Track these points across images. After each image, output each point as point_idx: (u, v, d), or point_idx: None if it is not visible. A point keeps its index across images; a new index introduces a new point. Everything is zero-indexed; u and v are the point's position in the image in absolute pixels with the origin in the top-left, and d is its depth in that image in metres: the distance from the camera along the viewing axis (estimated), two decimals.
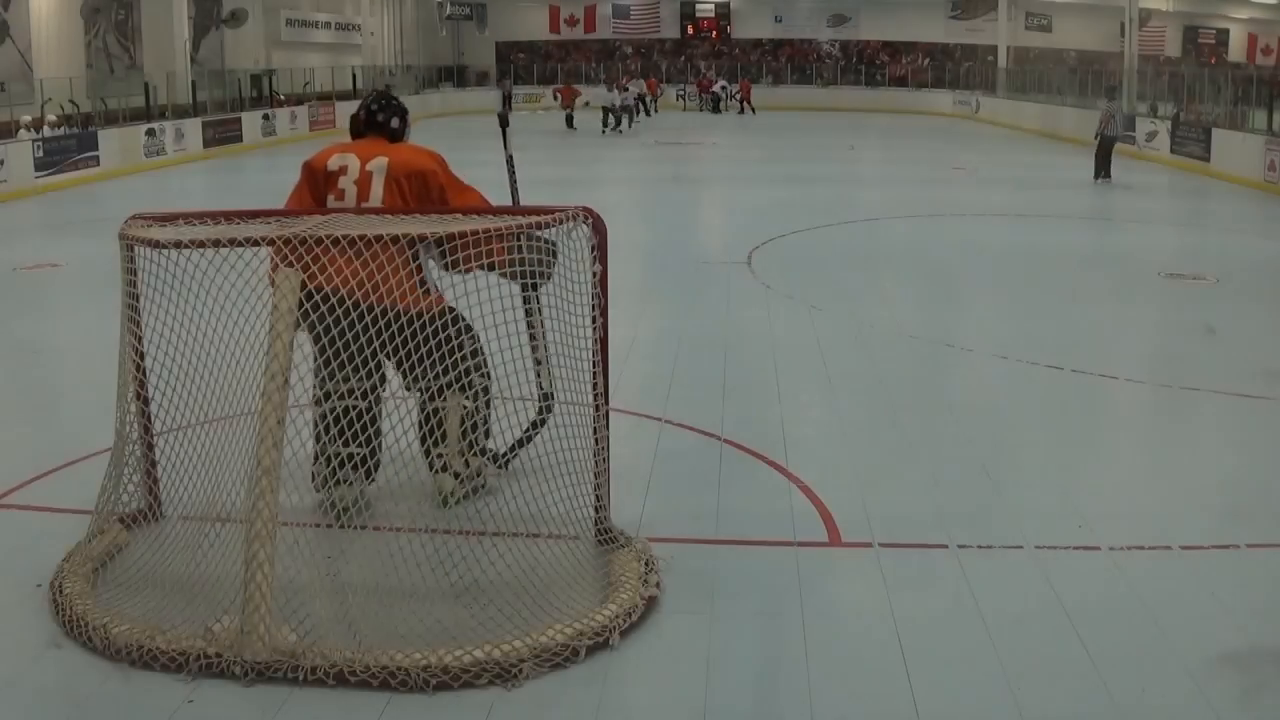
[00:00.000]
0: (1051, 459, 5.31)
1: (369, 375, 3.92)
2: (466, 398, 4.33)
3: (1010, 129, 30.02)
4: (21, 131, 16.98)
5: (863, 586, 4.01)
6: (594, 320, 4.08)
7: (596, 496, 4.15)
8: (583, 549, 4.12)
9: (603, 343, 4.11)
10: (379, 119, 4.51)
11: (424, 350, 3.89)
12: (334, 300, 3.77)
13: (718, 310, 8.43)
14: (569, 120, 28.96)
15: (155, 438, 4.33)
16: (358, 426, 4.04)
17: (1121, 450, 5.64)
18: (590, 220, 4.05)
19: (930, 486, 4.93)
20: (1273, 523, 4.56)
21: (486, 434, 4.53)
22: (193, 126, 21.65)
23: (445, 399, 4.28)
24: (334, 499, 4.19)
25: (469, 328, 4.18)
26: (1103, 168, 16.63)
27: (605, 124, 27.74)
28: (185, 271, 3.98)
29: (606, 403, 4.14)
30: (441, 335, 3.95)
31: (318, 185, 4.40)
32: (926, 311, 8.61)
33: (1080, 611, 3.78)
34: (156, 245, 3.95)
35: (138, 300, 4.13)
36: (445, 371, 4.09)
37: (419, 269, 4.09)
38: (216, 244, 3.84)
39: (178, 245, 3.91)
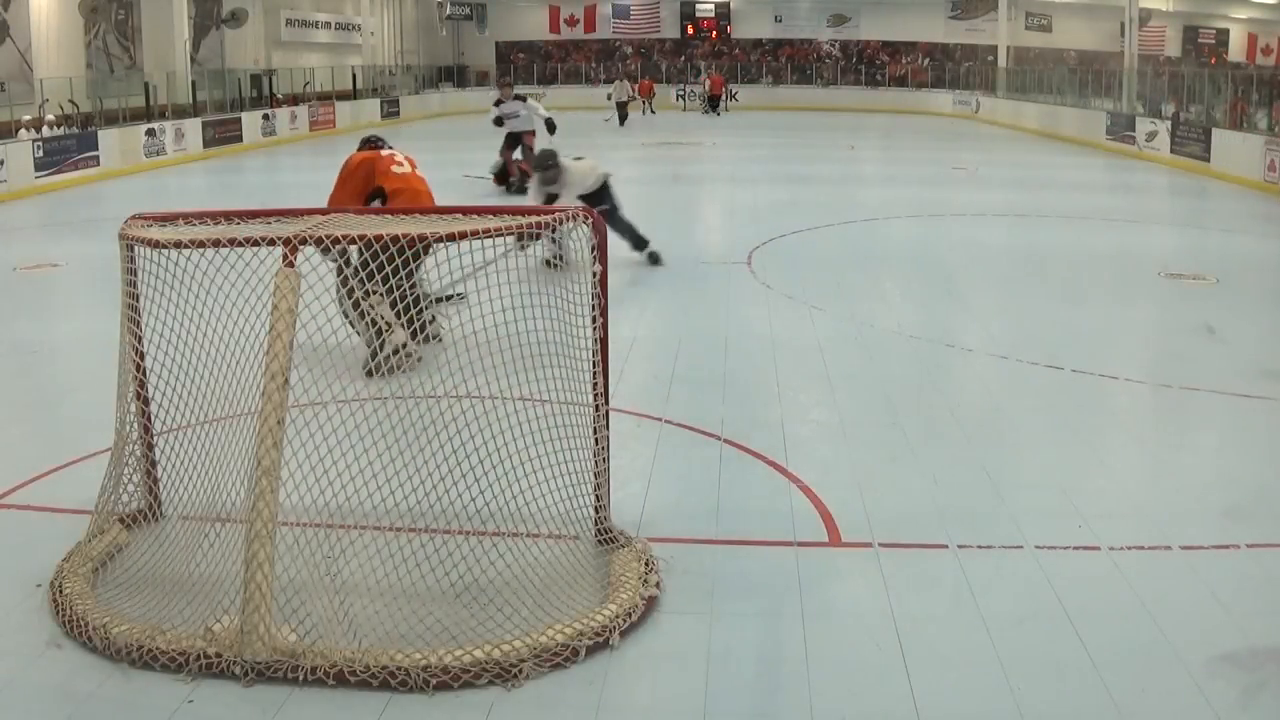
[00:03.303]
0: (1051, 459, 5.31)
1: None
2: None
3: (1010, 129, 30.01)
4: (21, 131, 16.98)
5: (863, 586, 4.01)
6: (594, 320, 4.09)
7: (596, 496, 4.15)
8: (583, 549, 4.12)
9: (603, 343, 4.11)
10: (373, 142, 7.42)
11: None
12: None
13: (718, 310, 8.43)
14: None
15: (155, 438, 4.33)
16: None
17: (1121, 450, 5.64)
18: (590, 220, 4.05)
19: (930, 486, 4.93)
20: (1273, 523, 4.56)
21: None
22: (193, 126, 21.64)
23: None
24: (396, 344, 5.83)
25: None
26: None
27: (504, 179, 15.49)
28: (185, 271, 3.99)
29: (606, 403, 4.14)
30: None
31: (381, 162, 6.94)
32: (926, 311, 8.60)
33: (1080, 611, 3.78)
34: (156, 245, 3.96)
35: (138, 300, 4.13)
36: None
37: None
38: (216, 244, 3.85)
39: (178, 245, 3.92)
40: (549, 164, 9.38)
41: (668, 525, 4.46)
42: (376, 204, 6.70)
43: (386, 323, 6.01)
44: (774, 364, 6.84)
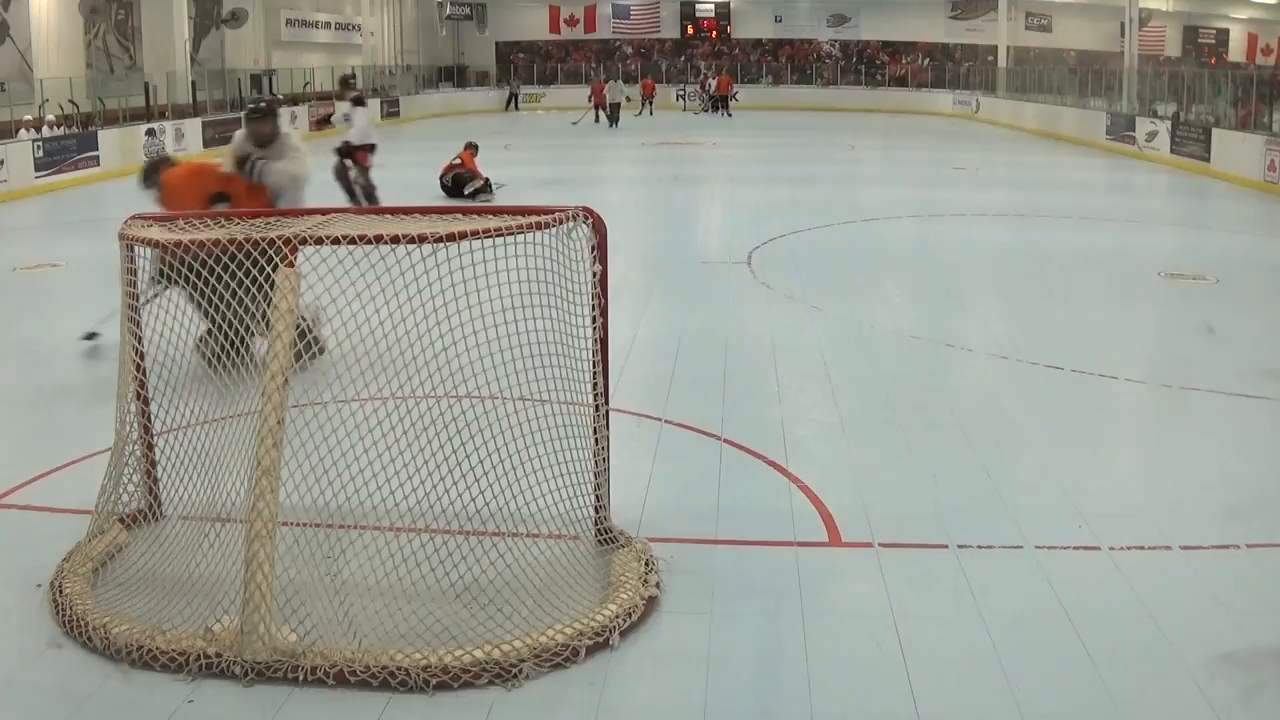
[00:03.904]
0: (1051, 459, 5.31)
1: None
2: None
3: (1010, 129, 30.01)
4: (21, 131, 16.98)
5: (863, 586, 4.01)
6: (594, 320, 4.09)
7: (596, 496, 4.15)
8: (583, 549, 4.12)
9: (603, 343, 4.11)
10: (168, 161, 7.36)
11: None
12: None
13: (718, 310, 8.43)
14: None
15: (155, 438, 4.33)
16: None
17: (1121, 450, 5.64)
18: (590, 220, 4.05)
19: (930, 486, 4.93)
20: (1273, 523, 4.56)
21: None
22: (193, 126, 21.63)
23: None
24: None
25: None
26: None
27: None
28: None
29: (606, 403, 4.14)
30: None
31: (207, 166, 7.11)
32: (926, 311, 8.60)
33: (1080, 611, 3.78)
34: (156, 245, 3.96)
35: (138, 300, 4.13)
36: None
37: None
38: (216, 244, 3.85)
39: (178, 245, 3.92)
40: (268, 112, 7.34)
41: (668, 525, 4.46)
42: (222, 206, 6.41)
43: (308, 323, 5.86)
44: (774, 364, 6.84)
